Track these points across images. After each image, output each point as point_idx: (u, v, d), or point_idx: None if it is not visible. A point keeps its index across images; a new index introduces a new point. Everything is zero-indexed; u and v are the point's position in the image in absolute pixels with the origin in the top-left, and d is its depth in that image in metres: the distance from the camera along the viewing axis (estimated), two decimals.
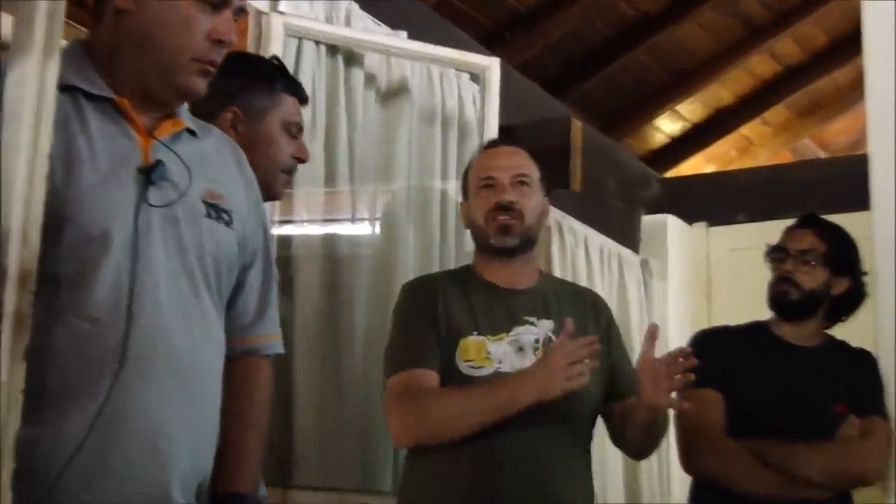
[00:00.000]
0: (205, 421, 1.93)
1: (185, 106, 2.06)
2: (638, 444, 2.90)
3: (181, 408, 1.86)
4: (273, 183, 2.47)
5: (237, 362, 2.04)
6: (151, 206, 1.86)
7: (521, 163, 2.95)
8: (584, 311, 2.95)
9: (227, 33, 1.97)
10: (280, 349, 2.17)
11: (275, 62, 2.67)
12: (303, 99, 2.59)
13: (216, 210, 1.97)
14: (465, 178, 3.02)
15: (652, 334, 2.72)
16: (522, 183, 2.90)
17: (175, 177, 1.91)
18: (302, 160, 2.56)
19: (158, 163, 1.89)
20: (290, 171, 2.54)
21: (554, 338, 2.80)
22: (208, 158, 2.02)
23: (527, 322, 2.83)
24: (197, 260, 1.92)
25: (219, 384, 1.96)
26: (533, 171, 2.95)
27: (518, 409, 2.62)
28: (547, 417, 2.69)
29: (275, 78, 2.54)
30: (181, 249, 1.90)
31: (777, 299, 3.14)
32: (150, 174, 1.88)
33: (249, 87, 2.50)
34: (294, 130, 2.52)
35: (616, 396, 2.87)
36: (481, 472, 2.68)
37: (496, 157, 2.98)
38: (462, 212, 3.04)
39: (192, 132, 2.01)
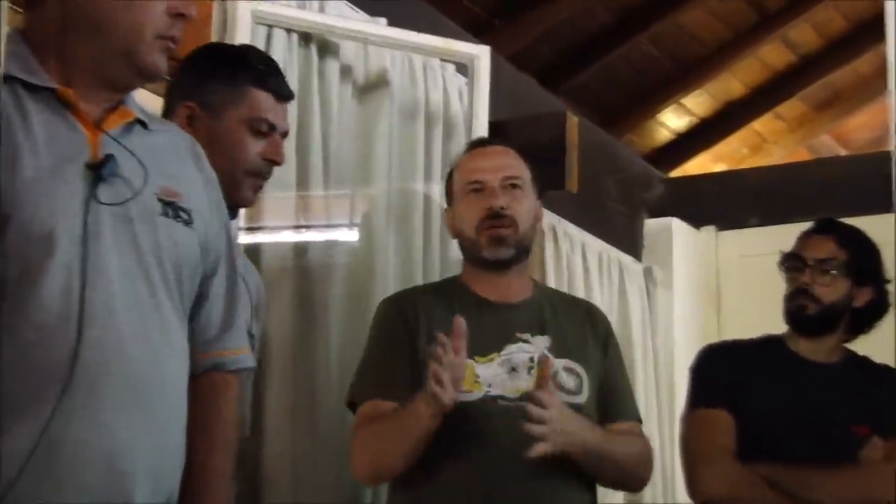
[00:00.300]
0: (168, 438, 1.93)
1: (134, 96, 2.06)
2: (605, 480, 2.91)
3: (140, 424, 1.86)
4: (237, 187, 2.46)
5: (203, 378, 2.05)
6: (102, 203, 1.87)
7: (510, 163, 2.95)
8: (582, 324, 2.96)
9: (186, 6, 2.00)
10: (250, 363, 2.18)
11: (245, 52, 2.64)
12: (278, 93, 2.55)
13: (173, 208, 1.98)
14: (450, 181, 3.01)
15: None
16: (514, 186, 2.90)
17: (126, 173, 1.92)
18: (274, 162, 2.54)
19: (109, 157, 1.90)
20: (258, 174, 2.52)
21: (550, 356, 2.81)
22: (163, 153, 2.03)
23: (520, 339, 2.83)
24: (154, 260, 1.93)
25: (183, 397, 1.97)
26: (524, 172, 2.95)
27: (426, 427, 2.62)
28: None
29: (239, 69, 2.52)
30: (136, 250, 1.91)
31: (794, 314, 3.15)
32: (99, 170, 1.88)
33: (209, 80, 2.49)
34: (264, 128, 2.50)
35: (606, 419, 2.87)
36: (471, 501, 2.69)
37: (484, 157, 2.97)
38: (447, 220, 3.04)
39: (143, 124, 2.02)
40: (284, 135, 2.59)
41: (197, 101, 2.46)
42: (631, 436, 2.93)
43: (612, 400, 2.90)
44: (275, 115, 2.53)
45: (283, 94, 2.57)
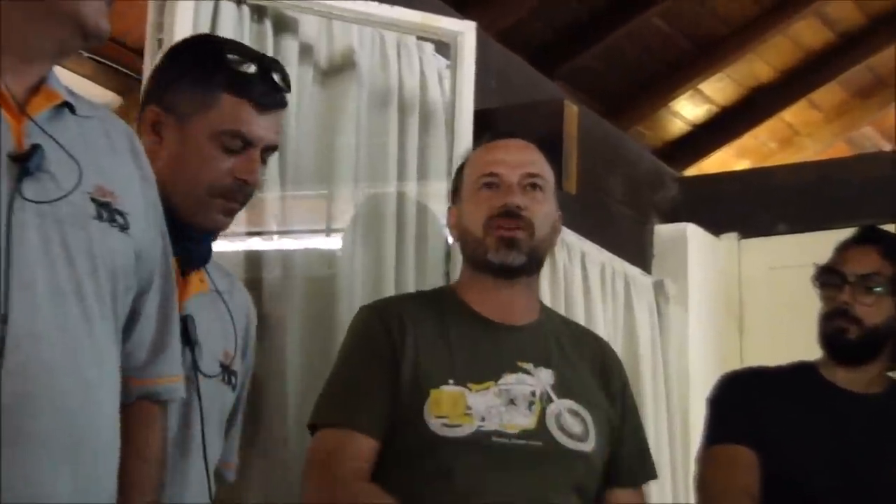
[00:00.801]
0: (99, 481, 1.92)
1: (56, 74, 2.06)
2: None
3: (68, 465, 1.85)
4: (203, 207, 2.45)
5: (132, 408, 2.05)
6: (27, 200, 1.85)
7: (533, 160, 2.98)
8: (592, 364, 2.97)
9: None
10: (181, 393, 2.19)
11: (223, 47, 2.57)
12: (260, 102, 2.48)
13: (108, 210, 1.97)
14: (458, 176, 3.03)
15: None
16: (534, 186, 2.92)
17: (55, 167, 1.91)
18: (246, 182, 2.48)
19: (35, 148, 1.89)
20: (227, 195, 2.48)
21: (553, 395, 2.81)
22: (95, 144, 2.03)
23: (521, 369, 2.83)
24: (88, 272, 1.92)
25: (116, 434, 1.97)
26: (547, 173, 2.98)
27: None
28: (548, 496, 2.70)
29: (214, 70, 2.47)
30: (67, 258, 1.89)
31: (831, 338, 3.16)
32: (25, 162, 1.87)
33: (180, 80, 2.47)
34: (237, 143, 2.45)
35: (617, 481, 2.90)
36: None
37: (503, 150, 3.00)
38: (451, 218, 3.05)
39: (71, 108, 2.01)
40: (270, 149, 2.55)
41: (164, 106, 2.45)
42: None
43: (627, 459, 2.95)
44: (253, 128, 2.47)
45: (265, 104, 2.50)
